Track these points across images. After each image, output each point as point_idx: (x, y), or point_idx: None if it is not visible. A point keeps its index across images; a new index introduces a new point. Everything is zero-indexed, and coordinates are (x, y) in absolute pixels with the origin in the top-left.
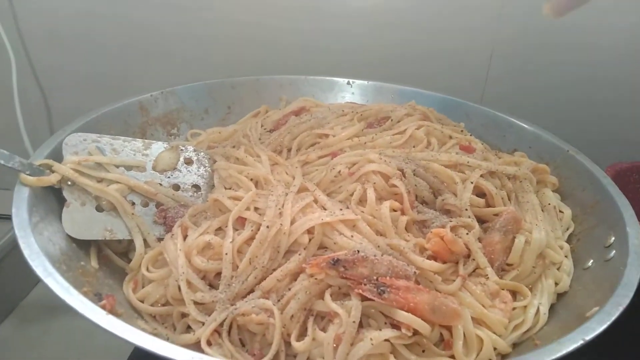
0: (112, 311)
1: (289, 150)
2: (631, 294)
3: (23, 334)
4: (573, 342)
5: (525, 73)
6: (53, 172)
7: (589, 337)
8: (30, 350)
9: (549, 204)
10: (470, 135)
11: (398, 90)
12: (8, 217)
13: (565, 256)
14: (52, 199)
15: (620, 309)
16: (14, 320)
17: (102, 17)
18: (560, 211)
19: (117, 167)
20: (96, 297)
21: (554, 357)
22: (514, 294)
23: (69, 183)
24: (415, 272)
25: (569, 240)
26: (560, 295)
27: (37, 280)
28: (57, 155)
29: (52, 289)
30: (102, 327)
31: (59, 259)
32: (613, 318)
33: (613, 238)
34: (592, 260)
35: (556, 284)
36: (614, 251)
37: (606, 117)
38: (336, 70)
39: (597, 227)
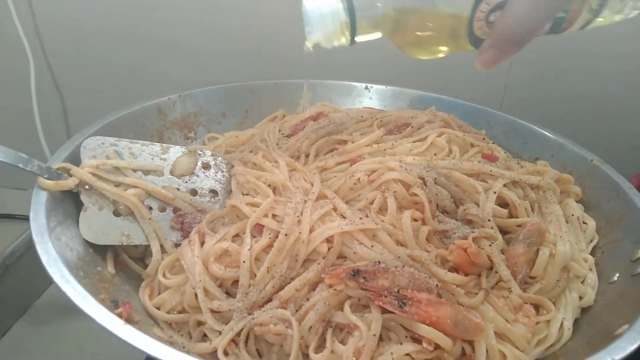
0: (128, 319)
1: (307, 155)
2: None
3: (36, 334)
4: None
5: (545, 79)
6: (71, 176)
7: (618, 357)
8: (43, 351)
9: (573, 214)
10: (493, 143)
11: (417, 96)
12: (23, 218)
13: (590, 269)
14: (70, 203)
15: None
16: (27, 320)
17: (120, 20)
18: (584, 222)
19: (135, 171)
20: (113, 305)
21: None
22: (537, 307)
23: (87, 187)
24: (437, 285)
25: (592, 253)
26: (584, 310)
27: (50, 281)
28: (74, 158)
29: (71, 298)
30: (120, 338)
31: (76, 264)
32: None
33: None
34: (617, 275)
35: (580, 298)
36: None
37: (630, 124)
38: (354, 75)
39: (624, 241)
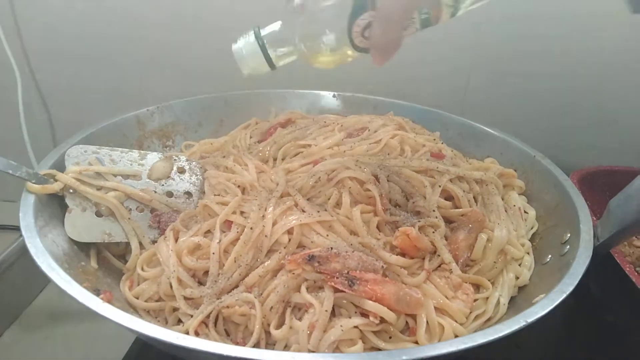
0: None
1: (275, 159)
2: (575, 282)
3: (27, 340)
4: (516, 323)
5: (503, 84)
6: (56, 180)
7: (531, 320)
8: (34, 356)
9: (515, 205)
10: (443, 143)
11: (380, 102)
12: (13, 228)
13: (527, 253)
14: (56, 205)
15: (563, 295)
16: (18, 327)
17: (102, 36)
18: (525, 212)
19: (115, 176)
20: (95, 292)
21: (497, 336)
22: (477, 287)
23: (71, 191)
24: (382, 266)
25: (533, 238)
26: (521, 289)
27: (40, 288)
28: (60, 165)
29: (56, 282)
30: (101, 315)
31: (62, 258)
32: (555, 304)
33: (569, 235)
34: (550, 256)
35: (517, 277)
36: (568, 247)
37: (578, 124)
38: (323, 84)
39: (558, 226)
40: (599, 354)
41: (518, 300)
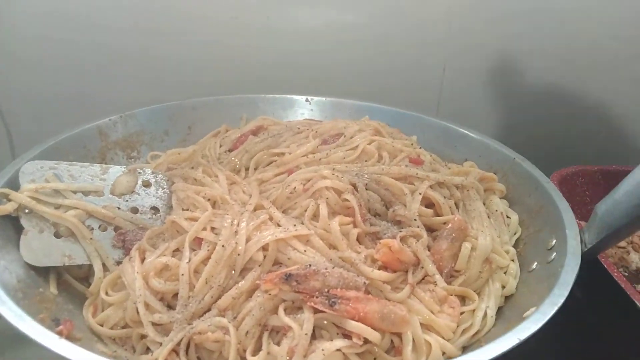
0: (69, 336)
1: (247, 169)
2: (566, 293)
3: None
4: (510, 342)
5: (477, 84)
6: (10, 200)
7: (524, 337)
8: None
9: (497, 210)
10: (420, 147)
11: (355, 106)
12: None
13: (512, 260)
14: (10, 227)
15: (555, 308)
16: None
17: (61, 42)
18: (507, 217)
19: (75, 193)
20: (54, 323)
21: (491, 357)
22: (463, 298)
23: (27, 211)
24: (365, 283)
25: (516, 244)
26: (507, 298)
27: None
28: (14, 183)
29: (6, 318)
30: (54, 352)
31: (15, 286)
32: (547, 317)
33: (554, 241)
34: (536, 263)
35: (503, 287)
36: (555, 253)
37: (555, 123)
38: (295, 88)
39: (542, 231)
40: (586, 355)
41: (505, 311)
